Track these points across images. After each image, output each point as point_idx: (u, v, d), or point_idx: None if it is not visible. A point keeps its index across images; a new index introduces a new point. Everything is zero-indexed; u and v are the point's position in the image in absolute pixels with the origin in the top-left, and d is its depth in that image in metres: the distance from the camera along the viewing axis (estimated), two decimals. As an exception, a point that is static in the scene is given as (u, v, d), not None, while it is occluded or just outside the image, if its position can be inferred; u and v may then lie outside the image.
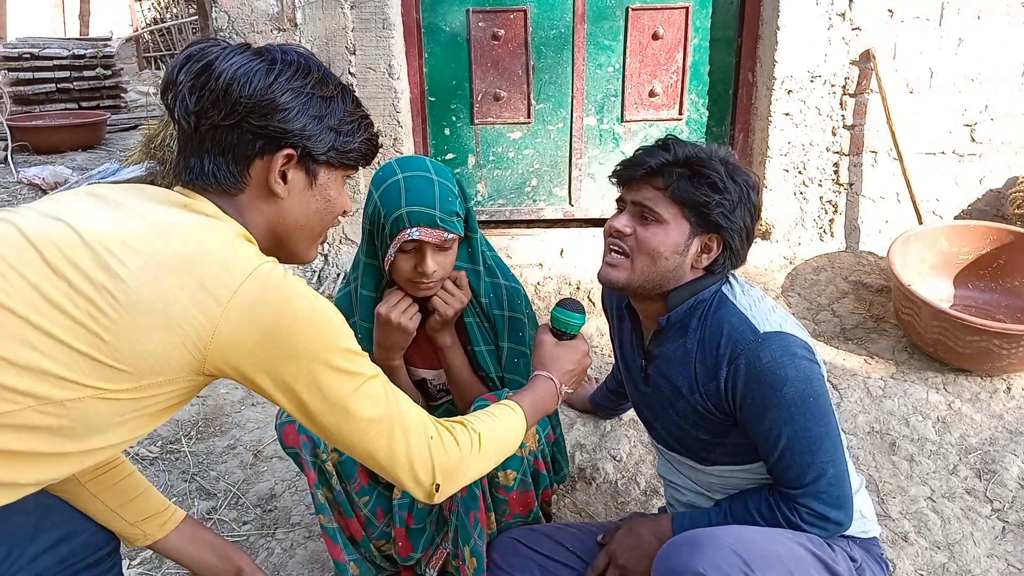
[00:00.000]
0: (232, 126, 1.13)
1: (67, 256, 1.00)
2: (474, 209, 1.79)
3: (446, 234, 1.56)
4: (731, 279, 1.49)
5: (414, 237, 1.54)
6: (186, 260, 1.03)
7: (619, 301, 1.67)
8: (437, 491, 1.22)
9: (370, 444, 1.15)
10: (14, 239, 1.02)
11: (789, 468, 1.37)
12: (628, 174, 1.44)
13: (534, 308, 1.85)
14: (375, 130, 1.29)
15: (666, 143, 1.42)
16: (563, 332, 1.53)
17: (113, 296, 0.99)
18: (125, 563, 2.03)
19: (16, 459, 0.99)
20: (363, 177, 3.41)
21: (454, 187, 1.61)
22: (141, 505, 1.45)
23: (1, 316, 0.97)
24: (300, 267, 3.45)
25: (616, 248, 1.44)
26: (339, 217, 1.29)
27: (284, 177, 1.18)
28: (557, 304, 1.55)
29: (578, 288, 3.35)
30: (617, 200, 1.50)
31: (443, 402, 1.88)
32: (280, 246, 1.24)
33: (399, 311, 1.65)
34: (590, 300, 3.30)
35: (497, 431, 1.32)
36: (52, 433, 1.00)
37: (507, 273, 1.78)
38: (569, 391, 1.51)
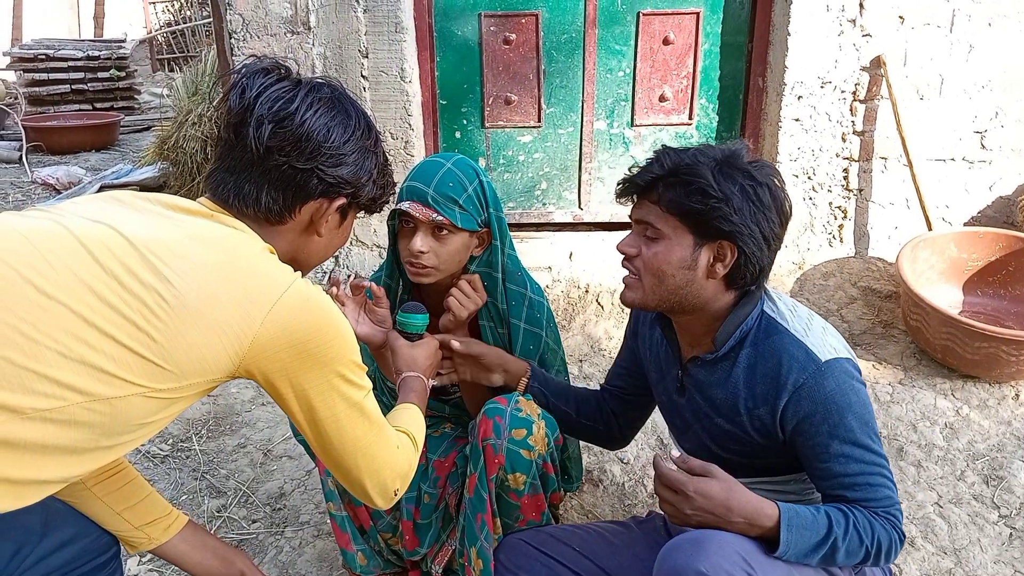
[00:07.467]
0: (303, 169, 1.22)
1: (117, 257, 1.03)
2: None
3: (435, 215, 1.57)
4: (768, 294, 1.45)
5: (403, 208, 1.59)
6: (230, 268, 1.09)
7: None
8: (395, 496, 1.33)
9: (359, 454, 1.25)
10: (64, 238, 1.04)
11: (853, 488, 1.34)
12: (624, 194, 1.44)
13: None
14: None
15: (656, 155, 1.39)
16: (410, 334, 1.62)
17: (163, 298, 1.02)
18: (135, 559, 2.05)
19: (49, 454, 1.00)
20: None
21: (468, 180, 1.62)
22: (145, 509, 1.46)
23: (54, 310, 0.98)
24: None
25: (628, 268, 1.44)
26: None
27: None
28: (399, 309, 1.63)
29: (587, 291, 3.36)
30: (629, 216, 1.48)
31: (456, 395, 1.90)
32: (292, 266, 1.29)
33: (352, 320, 1.63)
34: (599, 304, 3.31)
35: (420, 430, 1.45)
36: (92, 429, 1.02)
37: (535, 287, 1.79)
38: (435, 383, 1.67)
